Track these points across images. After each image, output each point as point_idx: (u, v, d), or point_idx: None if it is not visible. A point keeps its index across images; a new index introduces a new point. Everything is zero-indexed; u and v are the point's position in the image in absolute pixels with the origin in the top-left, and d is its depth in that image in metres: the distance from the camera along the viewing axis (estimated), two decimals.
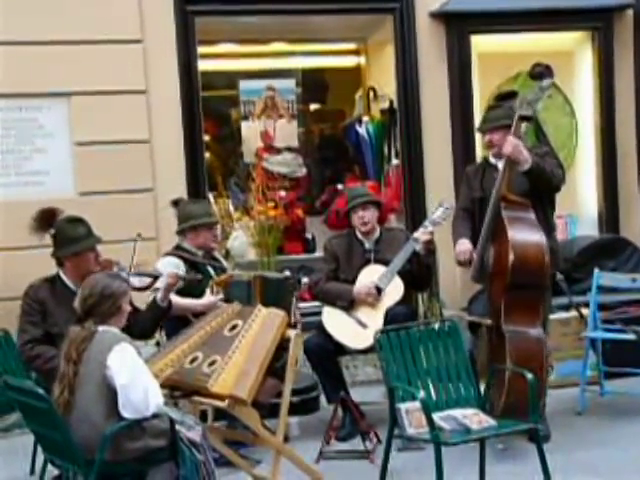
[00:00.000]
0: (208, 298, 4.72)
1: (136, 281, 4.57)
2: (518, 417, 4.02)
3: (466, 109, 6.60)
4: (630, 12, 6.86)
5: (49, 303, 4.37)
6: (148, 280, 4.62)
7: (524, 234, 4.64)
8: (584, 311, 5.66)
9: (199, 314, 4.54)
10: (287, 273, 4.96)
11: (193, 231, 5.03)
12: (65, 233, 4.42)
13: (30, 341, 4.32)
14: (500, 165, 4.82)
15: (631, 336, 5.30)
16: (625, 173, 6.93)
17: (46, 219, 4.45)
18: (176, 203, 5.15)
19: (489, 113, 5.04)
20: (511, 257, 4.56)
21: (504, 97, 5.04)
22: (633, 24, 6.87)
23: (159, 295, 4.48)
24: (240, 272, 5.25)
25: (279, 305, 4.33)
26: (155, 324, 4.56)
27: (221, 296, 4.66)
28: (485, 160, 5.14)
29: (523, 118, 4.74)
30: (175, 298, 4.61)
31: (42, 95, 5.90)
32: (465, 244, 4.90)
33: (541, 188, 4.79)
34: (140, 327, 4.42)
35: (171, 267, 4.76)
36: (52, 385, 3.57)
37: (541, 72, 4.80)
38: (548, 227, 4.86)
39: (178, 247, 5.07)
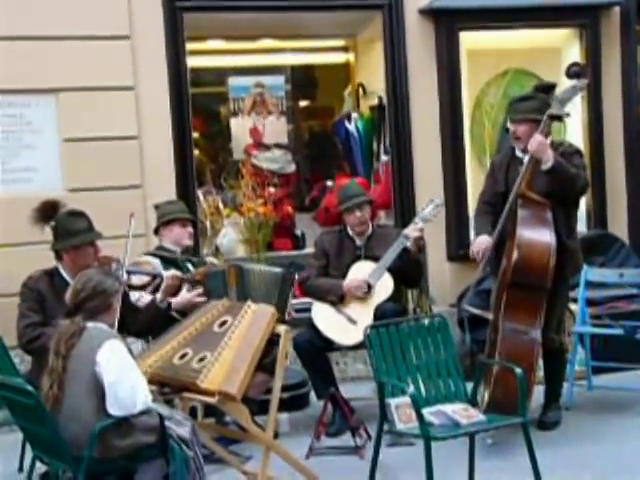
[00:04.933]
0: (183, 295, 4.69)
1: (135, 279, 4.57)
2: (503, 413, 4.02)
3: (455, 106, 6.59)
4: (617, 9, 6.87)
5: (47, 296, 4.36)
6: (146, 278, 4.62)
7: (533, 235, 4.59)
8: (573, 307, 5.68)
9: (186, 312, 4.52)
10: (278, 270, 4.92)
11: (167, 227, 5.05)
12: (65, 226, 4.40)
13: (32, 324, 4.30)
14: (526, 159, 4.73)
15: (619, 331, 5.33)
16: (612, 170, 6.94)
17: (47, 211, 4.43)
18: (157, 207, 5.19)
19: (520, 103, 4.86)
20: (515, 256, 4.55)
21: (542, 89, 4.89)
22: (620, 21, 6.89)
23: (159, 296, 4.53)
24: (216, 262, 5.27)
25: (269, 298, 4.31)
26: (153, 324, 4.52)
27: (199, 291, 4.64)
28: (512, 151, 4.96)
29: (553, 117, 4.68)
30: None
31: (30, 91, 5.85)
32: (483, 242, 4.81)
33: (563, 189, 4.67)
34: (138, 327, 4.45)
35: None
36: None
37: (577, 72, 4.76)
38: (569, 228, 4.81)
39: (159, 247, 5.08)
